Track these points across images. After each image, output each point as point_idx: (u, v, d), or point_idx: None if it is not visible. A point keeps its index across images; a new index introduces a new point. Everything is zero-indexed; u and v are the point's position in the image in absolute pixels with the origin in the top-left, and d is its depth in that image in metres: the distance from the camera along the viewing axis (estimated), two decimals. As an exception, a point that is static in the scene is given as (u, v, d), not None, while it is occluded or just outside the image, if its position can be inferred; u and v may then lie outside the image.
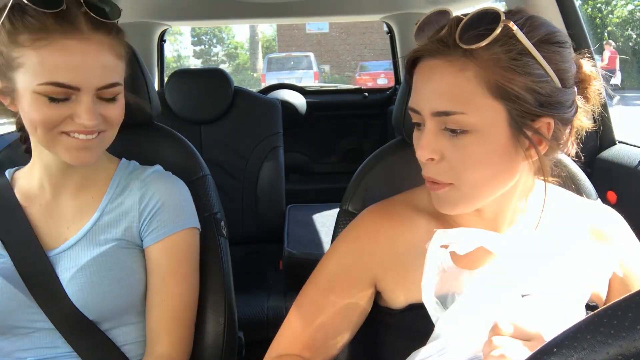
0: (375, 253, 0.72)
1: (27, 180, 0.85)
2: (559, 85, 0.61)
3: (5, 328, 0.79)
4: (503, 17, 0.57)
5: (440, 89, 0.61)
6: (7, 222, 0.81)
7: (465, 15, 0.60)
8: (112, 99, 0.77)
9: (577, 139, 0.70)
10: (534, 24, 0.60)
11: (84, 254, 0.81)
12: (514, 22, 0.58)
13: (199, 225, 0.90)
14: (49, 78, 0.70)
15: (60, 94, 0.71)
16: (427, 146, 0.63)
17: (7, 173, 0.88)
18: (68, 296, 0.78)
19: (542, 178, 0.68)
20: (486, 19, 0.58)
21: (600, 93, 0.69)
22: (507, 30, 0.58)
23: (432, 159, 0.64)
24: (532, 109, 0.60)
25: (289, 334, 0.74)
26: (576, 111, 0.65)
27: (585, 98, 0.68)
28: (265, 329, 1.57)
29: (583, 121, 0.68)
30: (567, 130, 0.66)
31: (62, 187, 0.84)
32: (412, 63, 0.66)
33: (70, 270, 0.79)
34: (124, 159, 0.91)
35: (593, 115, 0.70)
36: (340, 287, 0.72)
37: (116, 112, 0.78)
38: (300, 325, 0.73)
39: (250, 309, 1.60)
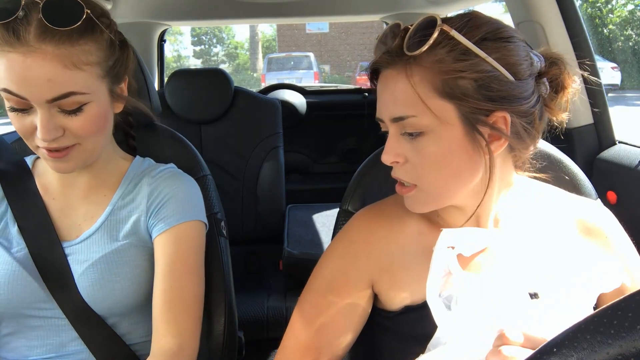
0: (370, 255, 0.72)
1: (45, 172, 0.87)
2: (511, 78, 0.62)
3: (17, 317, 0.80)
4: (439, 22, 0.61)
5: (394, 96, 0.65)
6: (26, 209, 0.82)
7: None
8: (76, 110, 0.72)
9: (551, 128, 0.72)
10: (474, 24, 0.63)
11: (96, 250, 0.81)
12: (452, 24, 0.61)
13: (206, 221, 0.90)
14: (2, 85, 0.69)
15: (16, 103, 0.70)
16: (390, 151, 0.67)
17: (28, 160, 0.88)
18: (78, 290, 0.79)
19: (521, 173, 0.70)
20: (425, 26, 0.62)
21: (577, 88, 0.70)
22: (445, 33, 0.61)
23: (397, 162, 0.67)
24: (482, 105, 0.62)
25: (293, 343, 0.73)
26: (538, 101, 0.66)
27: (556, 87, 0.69)
28: (265, 329, 1.57)
29: (554, 110, 0.69)
30: (531, 122, 0.66)
31: (72, 186, 0.85)
32: (375, 74, 0.70)
33: (82, 265, 0.80)
34: (138, 157, 0.92)
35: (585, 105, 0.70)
36: (338, 288, 0.72)
37: (80, 124, 0.73)
38: (303, 329, 0.73)
39: (250, 309, 1.60)
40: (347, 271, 0.73)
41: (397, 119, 0.64)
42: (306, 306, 0.74)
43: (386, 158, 0.67)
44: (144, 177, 0.87)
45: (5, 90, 0.69)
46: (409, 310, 0.69)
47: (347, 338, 0.72)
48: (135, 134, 0.97)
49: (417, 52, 0.61)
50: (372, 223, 0.75)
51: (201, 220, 0.88)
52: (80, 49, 0.71)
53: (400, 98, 0.63)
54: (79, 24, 0.69)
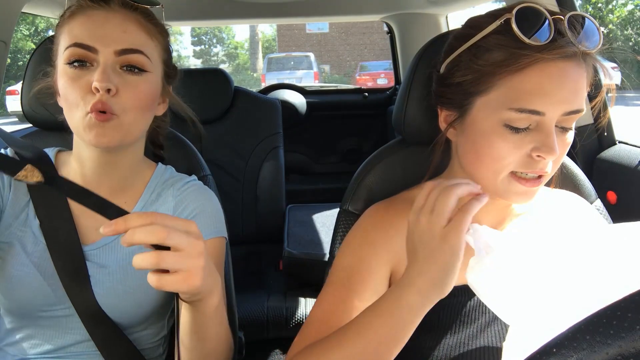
0: (387, 245, 0.72)
1: (66, 170, 0.84)
2: None
3: (27, 317, 0.78)
4: None
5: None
6: (49, 204, 0.80)
7: None
8: (137, 71, 0.75)
9: None
10: None
11: (114, 258, 0.80)
12: None
13: (227, 236, 0.89)
14: (70, 41, 0.73)
15: (79, 55, 0.72)
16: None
17: (50, 152, 0.86)
18: (94, 294, 0.77)
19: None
20: None
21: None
22: None
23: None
24: None
25: (312, 333, 0.69)
26: None
27: None
28: (265, 329, 1.57)
29: None
30: None
31: (96, 189, 0.83)
32: None
33: (99, 271, 0.79)
34: (160, 164, 0.91)
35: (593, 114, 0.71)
36: (361, 277, 0.70)
37: (133, 88, 0.74)
38: (322, 321, 0.69)
39: (250, 309, 1.60)
40: (367, 259, 0.71)
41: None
42: (326, 298, 0.71)
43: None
44: (168, 189, 0.86)
45: (75, 45, 0.72)
46: None
47: None
48: (163, 143, 0.96)
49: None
50: (387, 215, 0.74)
51: (224, 237, 0.88)
52: (152, 26, 0.79)
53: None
54: (155, 7, 0.79)
